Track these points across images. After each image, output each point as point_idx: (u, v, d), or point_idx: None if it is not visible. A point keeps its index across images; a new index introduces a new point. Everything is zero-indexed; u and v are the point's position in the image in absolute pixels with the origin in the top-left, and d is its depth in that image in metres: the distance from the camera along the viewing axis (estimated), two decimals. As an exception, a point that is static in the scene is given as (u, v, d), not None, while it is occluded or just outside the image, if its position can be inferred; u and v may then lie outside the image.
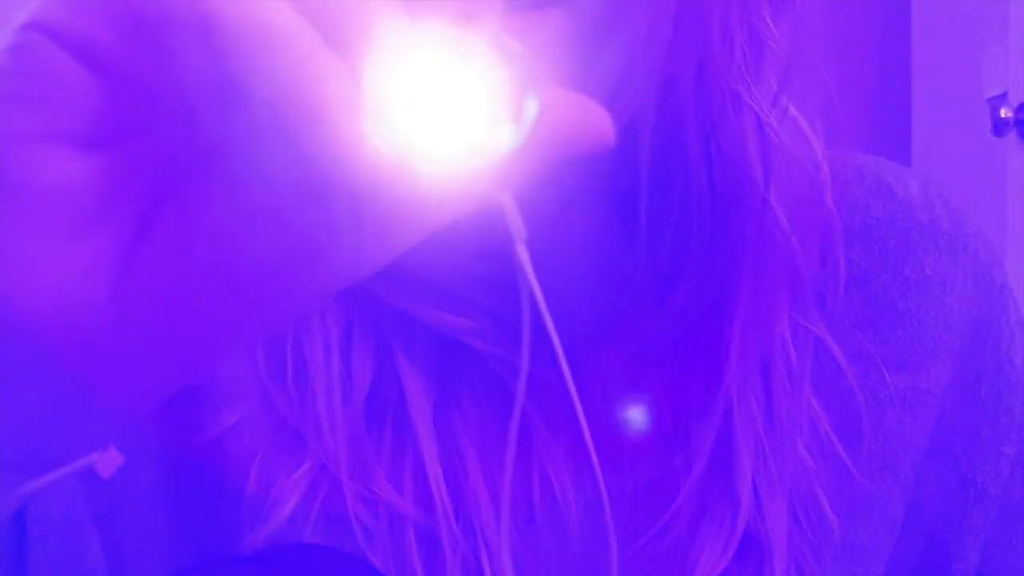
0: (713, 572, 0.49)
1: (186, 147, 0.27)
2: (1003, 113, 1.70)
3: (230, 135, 0.26)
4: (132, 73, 0.26)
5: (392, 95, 0.26)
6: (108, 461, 0.36)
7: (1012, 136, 1.70)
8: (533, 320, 0.53)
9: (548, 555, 0.51)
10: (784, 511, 0.50)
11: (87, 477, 0.52)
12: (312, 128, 0.25)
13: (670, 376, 0.51)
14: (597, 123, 0.30)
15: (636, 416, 0.51)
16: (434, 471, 0.49)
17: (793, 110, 0.50)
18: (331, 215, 0.27)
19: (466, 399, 0.51)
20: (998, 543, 0.56)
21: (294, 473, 0.51)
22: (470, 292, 0.51)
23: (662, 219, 0.48)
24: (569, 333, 0.52)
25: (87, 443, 0.30)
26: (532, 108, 0.29)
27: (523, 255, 0.40)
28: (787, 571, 0.50)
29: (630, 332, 0.51)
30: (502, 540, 0.49)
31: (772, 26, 0.48)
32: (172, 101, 0.26)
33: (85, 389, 0.27)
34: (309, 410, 0.51)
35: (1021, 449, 0.56)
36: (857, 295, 0.54)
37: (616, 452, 0.51)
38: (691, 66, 0.45)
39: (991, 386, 0.55)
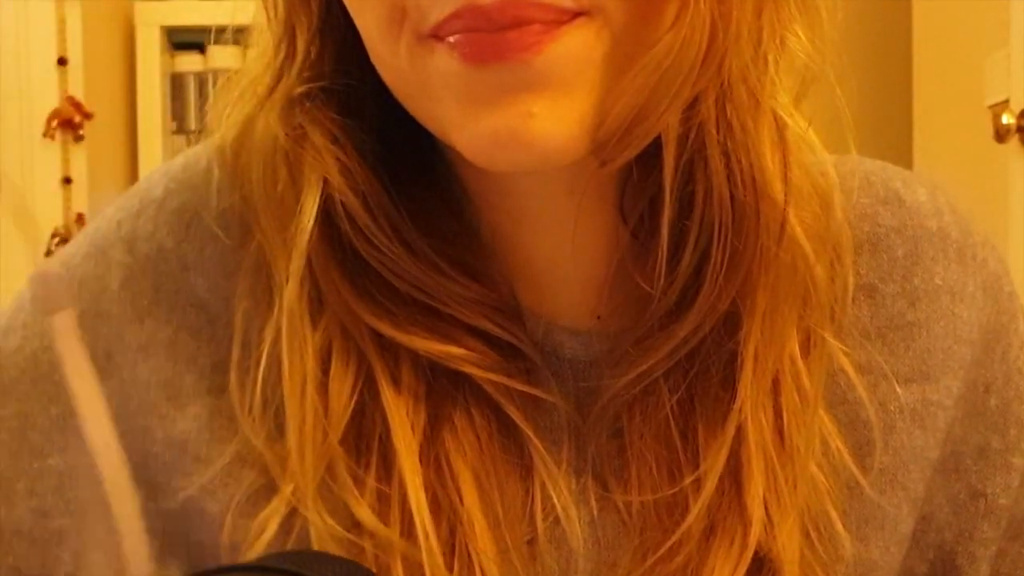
0: None
1: None
2: (1005, 119, 1.69)
3: None
4: None
5: None
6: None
7: (1014, 142, 1.70)
8: (539, 339, 0.53)
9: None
10: (796, 529, 0.49)
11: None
12: None
13: (682, 392, 0.50)
14: None
15: (647, 433, 0.51)
16: (417, 499, 0.48)
17: (802, 121, 0.50)
18: None
19: (460, 423, 0.50)
20: (1009, 555, 0.55)
21: (263, 511, 0.50)
22: (463, 315, 0.50)
23: (682, 233, 0.48)
24: (582, 349, 0.52)
25: None
26: None
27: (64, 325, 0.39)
28: None
29: (643, 348, 0.50)
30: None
31: (803, 39, 0.48)
32: None
33: None
34: (278, 443, 0.50)
35: None
36: (866, 305, 0.53)
37: (626, 471, 0.51)
38: (724, 79, 0.45)
39: (1000, 396, 0.55)
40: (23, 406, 0.53)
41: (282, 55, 0.50)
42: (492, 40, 0.42)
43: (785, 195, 0.47)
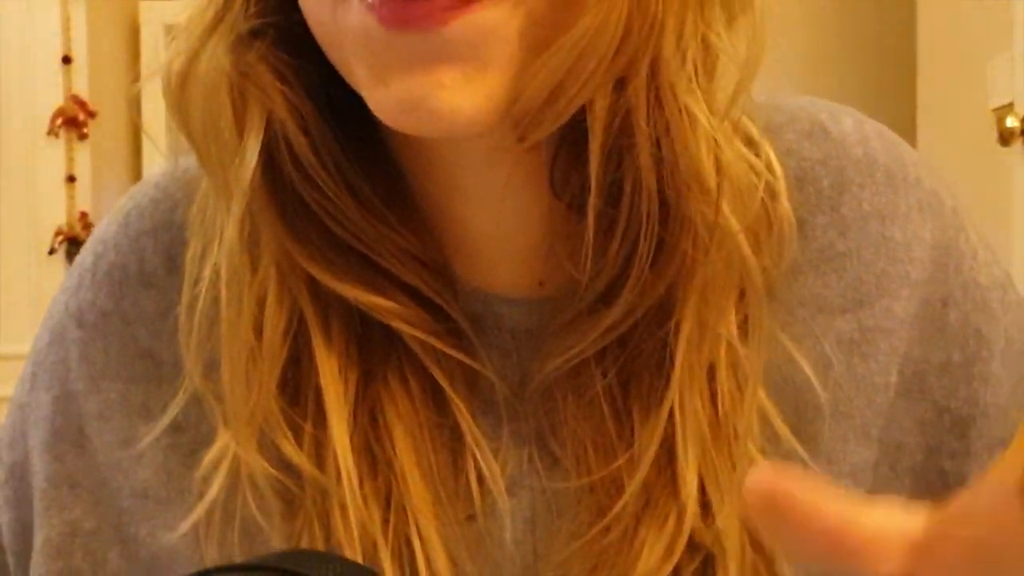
0: (660, 573, 0.48)
1: None
2: (1009, 122, 1.69)
3: None
4: None
5: None
6: None
7: (1018, 145, 1.70)
8: (473, 314, 0.53)
9: (485, 548, 0.51)
10: (737, 513, 0.49)
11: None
12: None
13: (614, 376, 0.51)
14: None
15: (579, 415, 0.51)
16: (342, 445, 0.50)
17: (745, 119, 0.50)
18: None
19: (393, 381, 0.51)
20: (989, 458, 0.55)
21: (208, 455, 0.52)
22: (398, 269, 0.51)
23: (611, 219, 0.48)
24: (523, 317, 0.53)
25: None
26: None
27: None
28: (742, 573, 0.49)
29: (571, 330, 0.50)
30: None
31: (727, 40, 0.48)
32: None
33: None
34: (217, 383, 0.52)
35: (992, 366, 0.55)
36: (798, 240, 0.53)
37: (559, 451, 0.51)
38: (643, 69, 0.45)
39: (959, 309, 0.54)
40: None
41: None
42: (404, 6, 0.43)
43: (718, 187, 0.47)
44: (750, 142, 0.51)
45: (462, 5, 0.43)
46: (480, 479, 0.51)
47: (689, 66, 0.46)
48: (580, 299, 0.50)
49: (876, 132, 0.55)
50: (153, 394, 0.55)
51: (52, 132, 2.50)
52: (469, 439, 0.51)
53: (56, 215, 2.55)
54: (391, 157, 0.52)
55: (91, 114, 2.50)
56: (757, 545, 0.50)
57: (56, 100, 2.51)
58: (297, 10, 0.48)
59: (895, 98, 2.23)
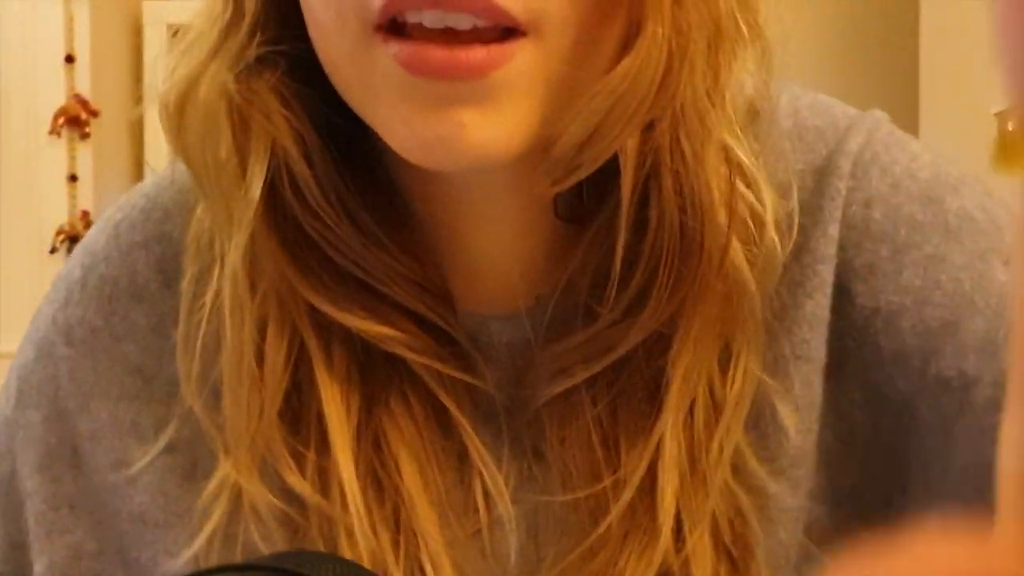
0: None
1: None
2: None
3: None
4: None
5: None
6: None
7: (1020, 149, 1.70)
8: (469, 331, 0.52)
9: (491, 560, 0.52)
10: (709, 546, 0.49)
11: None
12: None
13: (605, 404, 0.51)
14: None
15: (567, 439, 0.51)
16: (348, 472, 0.49)
17: (744, 152, 0.50)
18: None
19: (396, 406, 0.51)
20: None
21: (206, 489, 0.51)
22: (399, 295, 0.50)
23: (635, 256, 0.48)
24: (508, 340, 0.53)
25: None
26: None
27: None
28: None
29: (571, 344, 0.50)
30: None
31: (735, 71, 0.48)
32: None
33: None
34: (218, 412, 0.51)
35: (929, 249, 0.51)
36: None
37: (550, 470, 0.52)
38: (674, 108, 0.46)
39: (885, 203, 0.52)
40: None
41: (230, 11, 0.49)
42: (440, 58, 0.43)
43: (729, 223, 0.48)
44: (742, 170, 0.50)
45: (493, 54, 0.43)
46: (486, 494, 0.51)
47: (725, 100, 0.47)
48: (581, 318, 0.50)
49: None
50: (143, 412, 0.54)
51: (54, 131, 2.50)
52: (475, 457, 0.51)
53: (58, 214, 2.55)
54: (392, 178, 0.52)
55: (93, 113, 2.50)
56: (731, 572, 0.50)
57: (58, 99, 2.51)
58: (303, 39, 0.47)
59: (897, 100, 2.23)
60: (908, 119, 2.22)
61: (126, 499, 0.54)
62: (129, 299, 0.55)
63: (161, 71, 0.51)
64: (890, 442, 0.52)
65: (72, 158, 2.53)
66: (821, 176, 0.52)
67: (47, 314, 0.57)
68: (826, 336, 0.52)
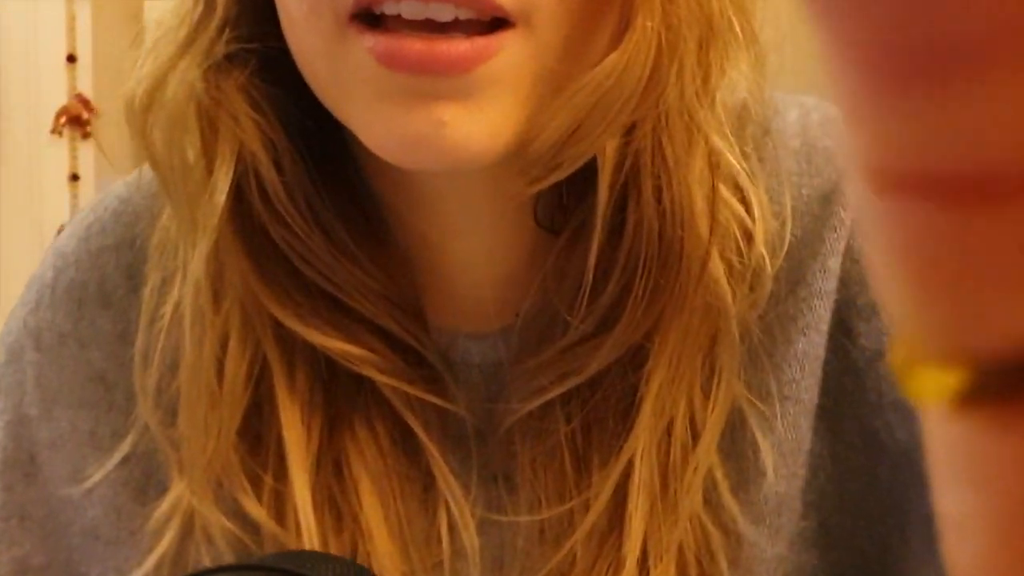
0: None
1: None
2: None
3: None
4: None
5: None
6: None
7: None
8: (440, 350, 0.50)
9: None
10: (673, 569, 0.47)
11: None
12: None
13: (578, 421, 0.49)
14: None
15: (538, 457, 0.49)
16: (303, 501, 0.47)
17: (734, 159, 0.48)
18: None
19: (360, 429, 0.49)
20: None
21: (158, 509, 0.49)
22: (368, 310, 0.48)
23: (608, 258, 0.46)
24: (480, 362, 0.50)
25: None
26: None
27: None
28: None
29: (546, 364, 0.48)
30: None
31: (745, 75, 0.47)
32: None
33: None
34: (173, 428, 0.49)
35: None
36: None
37: (517, 493, 0.50)
38: (658, 109, 0.44)
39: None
40: None
41: (201, 7, 0.47)
42: (418, 51, 0.41)
43: (711, 233, 0.46)
44: (730, 177, 0.49)
45: (478, 47, 0.41)
46: (450, 525, 0.49)
47: (696, 103, 0.45)
48: (556, 332, 0.48)
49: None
50: (102, 420, 0.53)
51: (56, 131, 2.49)
52: (442, 486, 0.49)
53: (59, 213, 2.55)
54: (365, 184, 0.50)
55: (95, 113, 2.50)
56: None
57: (60, 99, 2.50)
58: (277, 37, 0.45)
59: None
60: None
61: (79, 512, 0.53)
62: (96, 304, 0.54)
63: (131, 67, 0.50)
64: (888, 490, 0.50)
65: (74, 157, 2.53)
66: (826, 204, 0.50)
67: (19, 317, 0.55)
68: (819, 376, 0.49)
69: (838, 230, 0.49)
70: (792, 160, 0.50)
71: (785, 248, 0.49)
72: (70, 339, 0.54)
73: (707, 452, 0.48)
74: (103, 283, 0.54)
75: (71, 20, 2.50)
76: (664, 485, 0.48)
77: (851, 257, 0.49)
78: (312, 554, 0.45)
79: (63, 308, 0.54)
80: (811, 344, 0.49)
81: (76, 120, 2.50)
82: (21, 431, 0.54)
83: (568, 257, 0.48)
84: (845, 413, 0.50)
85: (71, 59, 2.49)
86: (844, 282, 0.49)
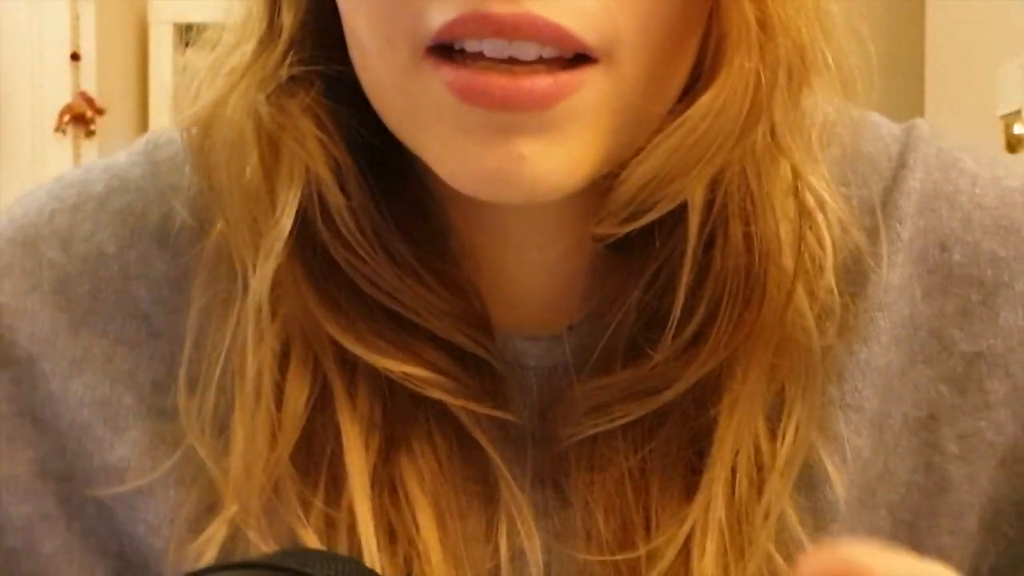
0: None
1: None
2: (1017, 129, 1.69)
3: None
4: None
5: None
6: None
7: (1025, 153, 1.70)
8: (509, 355, 0.48)
9: None
10: None
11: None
12: None
13: (649, 449, 0.47)
14: None
15: (602, 482, 0.47)
16: (365, 526, 0.45)
17: (818, 187, 0.47)
18: None
19: (419, 447, 0.47)
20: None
21: (204, 533, 0.47)
22: (435, 327, 0.47)
23: (694, 300, 0.45)
24: (546, 354, 0.48)
25: None
26: None
27: None
28: None
29: (618, 395, 0.47)
30: None
31: (836, 115, 0.46)
32: None
33: None
34: (225, 456, 0.47)
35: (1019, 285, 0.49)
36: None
37: (572, 513, 0.48)
38: (744, 149, 0.42)
39: (962, 243, 0.50)
40: None
41: (264, 27, 0.46)
42: (501, 86, 0.40)
43: (796, 266, 0.45)
44: (810, 211, 0.47)
45: (560, 83, 0.40)
46: (511, 540, 0.47)
47: (788, 140, 0.44)
48: (621, 344, 0.47)
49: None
50: (144, 365, 0.49)
51: (59, 129, 2.50)
52: (507, 499, 0.47)
53: (63, 212, 2.55)
54: (429, 204, 0.48)
55: (99, 111, 2.50)
56: None
57: (64, 97, 2.51)
58: (341, 60, 0.44)
59: (903, 103, 2.23)
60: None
61: (103, 446, 0.49)
62: (153, 240, 0.49)
63: (168, 71, 0.48)
64: (989, 493, 0.50)
65: (77, 156, 2.53)
66: (877, 216, 0.49)
67: (42, 204, 0.50)
68: (880, 386, 0.49)
69: (894, 243, 0.49)
70: (836, 168, 0.49)
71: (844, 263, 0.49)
72: (112, 263, 0.49)
73: (779, 488, 0.46)
74: (167, 220, 0.50)
75: (75, 18, 2.50)
76: (733, 527, 0.46)
77: (929, 268, 0.49)
78: (316, 553, 0.45)
79: (110, 228, 0.50)
80: (872, 355, 0.48)
81: (80, 118, 2.50)
82: (20, 323, 0.49)
83: (635, 281, 0.46)
84: (943, 421, 0.49)
85: (75, 57, 2.49)
86: (929, 293, 0.49)
